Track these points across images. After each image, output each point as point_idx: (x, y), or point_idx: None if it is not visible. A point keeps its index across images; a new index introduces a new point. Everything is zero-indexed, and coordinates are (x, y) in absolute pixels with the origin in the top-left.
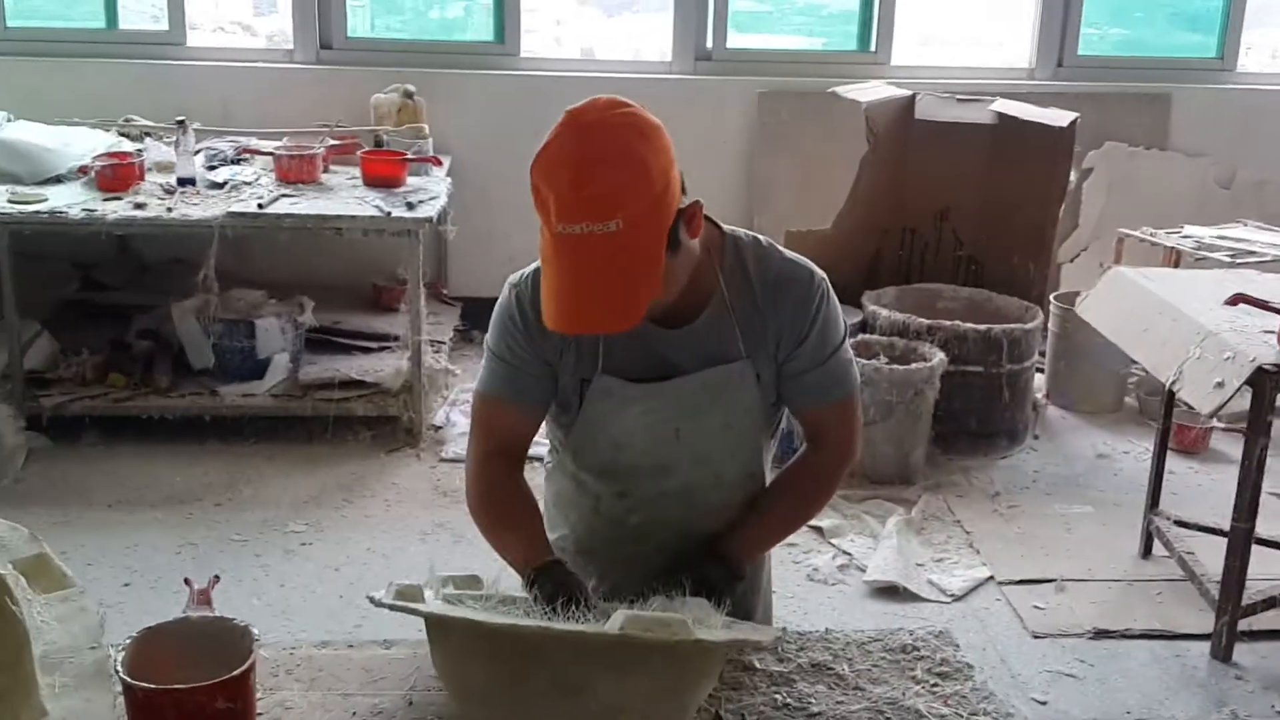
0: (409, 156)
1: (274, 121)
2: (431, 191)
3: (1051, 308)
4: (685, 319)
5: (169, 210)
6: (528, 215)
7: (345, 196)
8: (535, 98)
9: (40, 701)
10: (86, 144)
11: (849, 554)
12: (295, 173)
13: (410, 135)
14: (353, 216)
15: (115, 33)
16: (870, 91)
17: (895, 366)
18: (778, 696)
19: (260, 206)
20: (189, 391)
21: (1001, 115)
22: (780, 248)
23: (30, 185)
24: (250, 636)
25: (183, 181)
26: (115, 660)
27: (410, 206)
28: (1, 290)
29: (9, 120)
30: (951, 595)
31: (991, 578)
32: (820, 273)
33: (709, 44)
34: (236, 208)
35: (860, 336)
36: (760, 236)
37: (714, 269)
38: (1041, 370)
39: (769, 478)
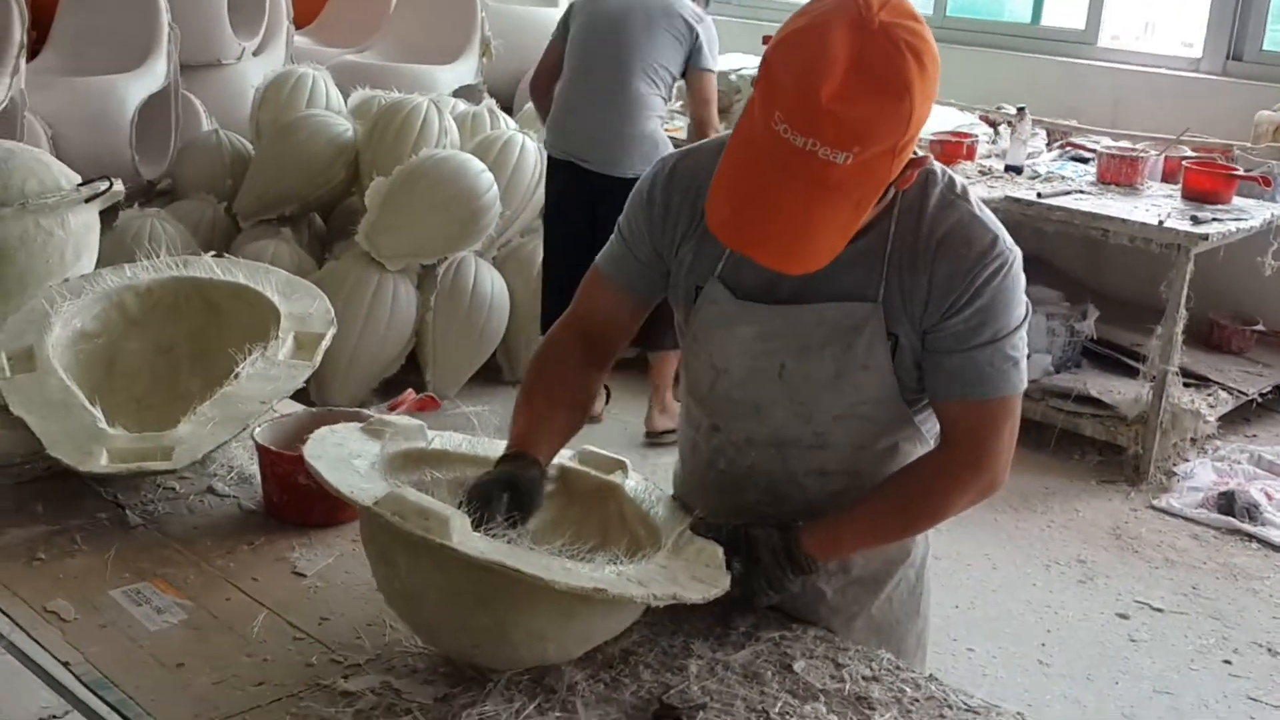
0: (1237, 172)
1: (1158, 128)
2: (1246, 215)
3: None
4: None
5: None
6: None
7: (1142, 203)
8: None
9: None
10: (938, 123)
11: None
12: (1113, 174)
13: (1268, 154)
14: (1122, 220)
15: (1036, 28)
16: None
17: None
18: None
19: (1039, 196)
20: None
21: None
22: (977, 203)
23: None
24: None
25: (1009, 168)
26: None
27: (1195, 221)
28: None
29: None
30: None
31: None
32: (1009, 245)
33: None
34: (1017, 193)
35: None
36: (960, 181)
37: (893, 195)
38: None
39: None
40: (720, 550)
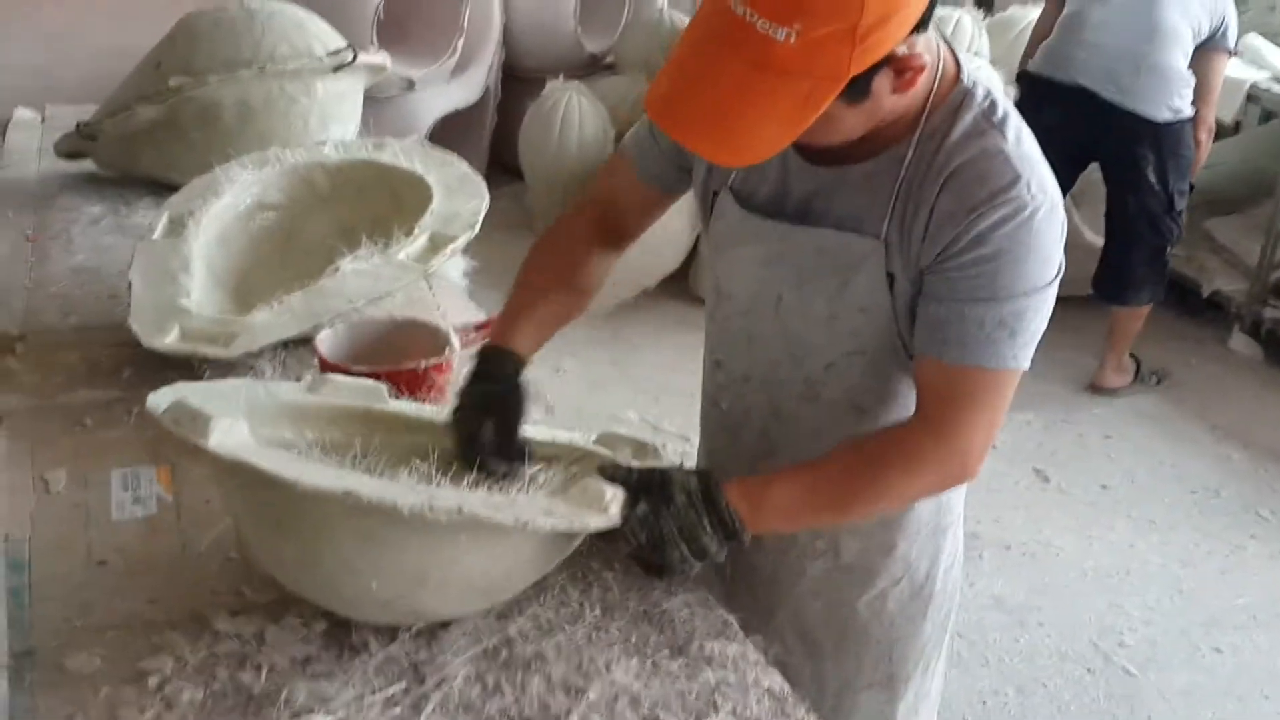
0: None
1: None
2: None
3: None
4: (842, 158)
5: None
6: None
7: None
8: None
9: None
10: None
11: None
12: None
13: None
14: None
15: None
16: None
17: None
18: None
19: None
20: None
21: None
22: (1016, 135)
23: None
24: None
25: None
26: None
27: None
28: None
29: None
30: None
31: None
32: (1037, 191)
33: None
34: None
35: None
36: (1004, 107)
37: (916, 115)
38: None
39: None
40: (610, 491)
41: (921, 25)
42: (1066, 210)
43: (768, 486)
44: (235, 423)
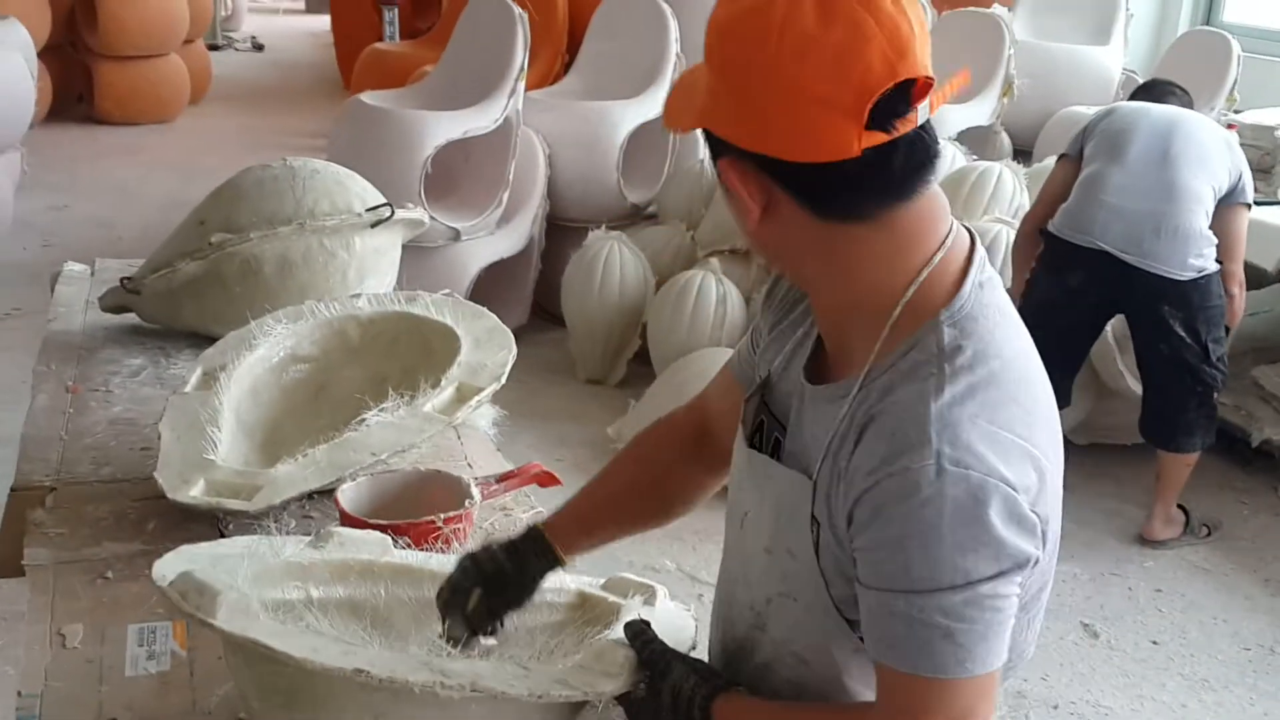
0: None
1: None
2: None
3: None
4: (826, 375)
5: None
6: None
7: None
8: None
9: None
10: None
11: None
12: None
13: None
14: None
15: None
16: None
17: None
18: None
19: None
20: None
21: None
22: (964, 393)
23: None
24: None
25: None
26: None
27: None
28: None
29: None
30: None
31: None
32: (948, 466)
33: None
34: None
35: None
36: (974, 353)
37: (877, 333)
38: None
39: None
40: (624, 655)
41: (782, 169)
42: (1108, 358)
43: (747, 715)
44: (242, 596)
